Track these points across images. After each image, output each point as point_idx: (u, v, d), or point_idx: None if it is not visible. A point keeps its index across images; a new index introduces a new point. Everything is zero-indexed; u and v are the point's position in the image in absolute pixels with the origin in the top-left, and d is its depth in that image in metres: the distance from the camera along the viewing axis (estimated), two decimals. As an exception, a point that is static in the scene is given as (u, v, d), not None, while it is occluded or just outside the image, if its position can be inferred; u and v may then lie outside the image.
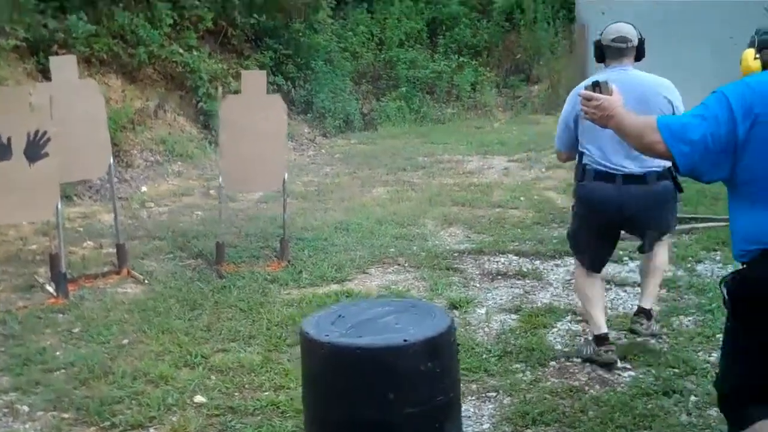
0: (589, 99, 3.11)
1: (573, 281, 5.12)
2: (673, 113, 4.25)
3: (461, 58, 15.80)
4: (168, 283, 5.99)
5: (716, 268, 5.98)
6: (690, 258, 6.24)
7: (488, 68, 16.01)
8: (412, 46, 15.99)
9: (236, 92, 7.33)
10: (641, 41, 4.53)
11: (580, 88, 3.94)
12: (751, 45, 3.16)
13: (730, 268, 5.04)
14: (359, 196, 8.81)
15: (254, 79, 6.53)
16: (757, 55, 3.08)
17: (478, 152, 11.06)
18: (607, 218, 4.50)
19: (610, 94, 3.10)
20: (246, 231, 7.36)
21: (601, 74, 4.09)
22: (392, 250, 6.79)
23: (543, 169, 9.92)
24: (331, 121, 13.44)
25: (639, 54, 4.55)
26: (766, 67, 3.06)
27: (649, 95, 4.37)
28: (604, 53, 4.56)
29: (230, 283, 5.94)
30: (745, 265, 2.92)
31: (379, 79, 15.46)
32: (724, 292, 2.97)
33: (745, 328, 2.95)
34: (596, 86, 3.13)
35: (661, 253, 4.76)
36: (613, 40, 4.50)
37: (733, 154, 2.84)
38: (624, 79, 4.06)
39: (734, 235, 2.97)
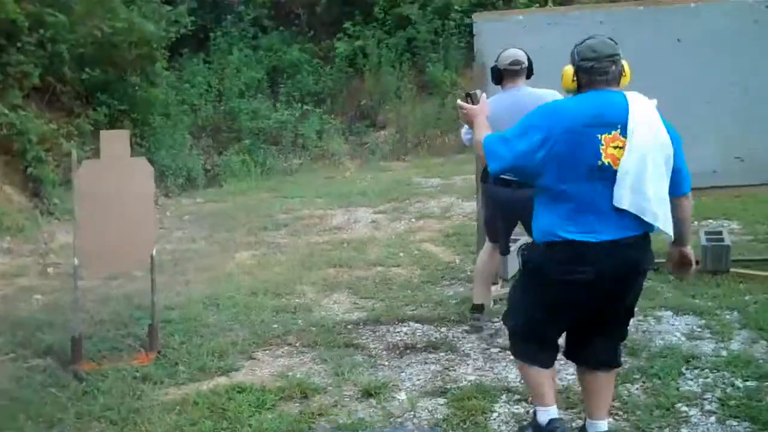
0: (461, 107, 3.99)
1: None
2: None
3: (305, 106, 15.19)
4: (12, 393, 4.91)
5: (638, 321, 5.51)
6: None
7: (333, 115, 15.46)
8: (253, 96, 15.26)
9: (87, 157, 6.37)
10: (530, 62, 5.28)
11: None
12: (571, 61, 3.66)
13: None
14: (222, 264, 7.91)
15: (115, 139, 5.60)
16: (575, 78, 3.61)
17: (339, 205, 10.37)
18: (504, 215, 5.47)
19: (476, 104, 3.95)
20: (99, 316, 6.32)
21: (500, 94, 5.16)
22: (276, 326, 5.96)
23: (413, 220, 9.34)
24: (173, 179, 12.47)
25: (529, 73, 5.30)
26: (580, 88, 3.62)
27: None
28: (502, 76, 5.30)
29: (92, 386, 4.89)
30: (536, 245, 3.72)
31: (220, 132, 14.61)
32: (520, 259, 3.83)
33: (531, 285, 3.78)
34: (468, 96, 3.99)
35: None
36: (509, 64, 5.24)
37: (536, 168, 3.57)
38: (518, 96, 5.13)
39: (534, 226, 3.72)
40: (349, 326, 5.89)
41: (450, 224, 8.98)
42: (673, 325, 5.48)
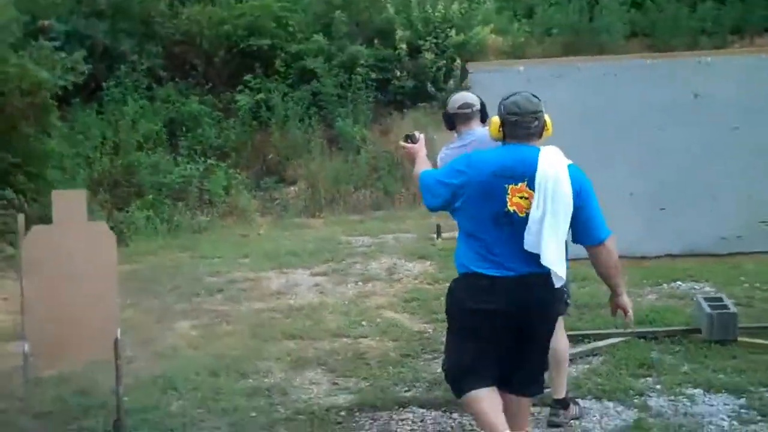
0: (403, 147, 4.63)
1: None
2: None
3: (208, 160, 14.32)
4: None
5: (670, 400, 5.04)
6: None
7: (239, 170, 14.64)
8: (152, 149, 14.28)
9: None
10: (483, 105, 4.94)
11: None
12: (498, 113, 4.16)
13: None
14: (162, 336, 7.05)
15: (70, 201, 4.78)
16: (501, 128, 4.13)
17: (270, 267, 9.59)
18: None
19: (416, 143, 4.58)
20: (41, 406, 5.38)
21: (455, 141, 4.92)
22: (255, 415, 5.20)
23: (359, 283, 8.67)
24: (73, 238, 11.37)
25: (483, 116, 4.92)
26: (505, 138, 4.14)
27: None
28: (454, 121, 4.96)
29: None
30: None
31: (119, 187, 13.57)
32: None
33: (453, 320, 4.27)
34: (408, 138, 4.60)
35: (560, 336, 4.82)
36: (459, 107, 4.94)
37: (457, 208, 4.14)
38: (480, 138, 4.77)
39: (455, 258, 4.24)
40: (341, 413, 5.20)
41: (402, 288, 8.37)
42: (712, 405, 5.07)
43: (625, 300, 4.21)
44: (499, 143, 4.21)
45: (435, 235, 10.37)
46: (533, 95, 4.14)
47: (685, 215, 5.83)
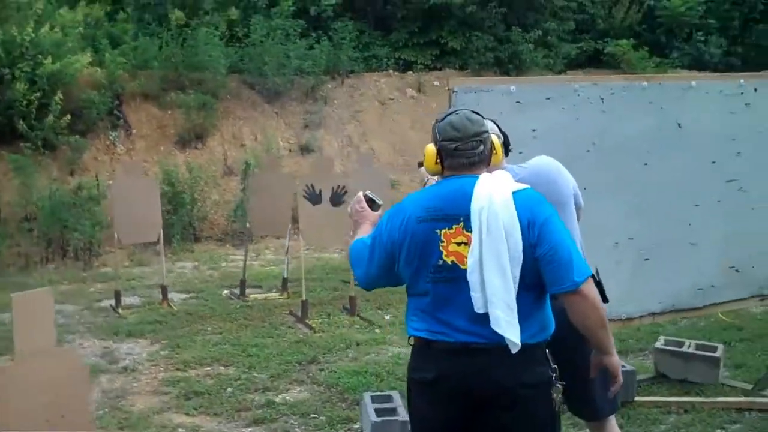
0: (358, 202, 3.69)
1: None
2: None
3: None
4: None
5: None
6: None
7: None
8: None
9: None
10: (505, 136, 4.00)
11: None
12: (433, 139, 3.28)
13: None
14: None
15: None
16: (438, 160, 3.24)
17: None
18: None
19: (374, 210, 3.66)
20: None
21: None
22: None
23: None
24: None
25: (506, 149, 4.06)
26: (444, 172, 3.27)
27: None
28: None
29: None
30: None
31: None
32: None
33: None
34: (370, 200, 3.69)
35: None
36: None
37: (398, 279, 3.33)
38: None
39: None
40: None
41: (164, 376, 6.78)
42: None
43: (615, 361, 3.29)
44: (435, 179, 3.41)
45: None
46: (473, 112, 3.29)
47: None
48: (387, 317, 8.85)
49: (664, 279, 5.23)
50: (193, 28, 15.59)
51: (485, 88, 4.67)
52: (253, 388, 6.69)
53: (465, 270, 3.10)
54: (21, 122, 13.01)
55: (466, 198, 3.14)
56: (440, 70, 18.16)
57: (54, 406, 3.11)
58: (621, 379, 3.33)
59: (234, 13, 16.76)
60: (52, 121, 13.17)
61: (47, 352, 3.13)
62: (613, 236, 4.97)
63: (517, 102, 4.66)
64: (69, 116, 13.40)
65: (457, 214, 3.14)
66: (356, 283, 3.52)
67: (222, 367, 7.24)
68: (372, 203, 3.69)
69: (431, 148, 3.28)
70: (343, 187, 8.85)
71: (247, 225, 10.38)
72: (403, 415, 5.24)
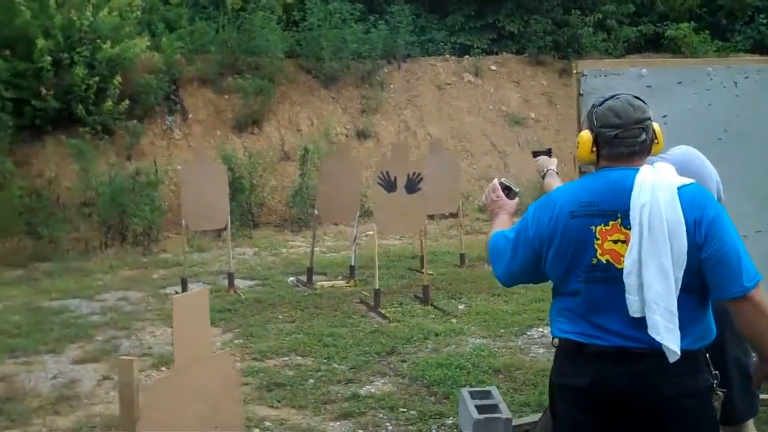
0: (494, 190, 3.45)
1: None
2: None
3: None
4: None
5: None
6: None
7: None
8: None
9: None
10: None
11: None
12: (589, 125, 3.05)
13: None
14: None
15: None
16: (594, 148, 3.01)
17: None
18: None
19: (511, 199, 3.43)
20: None
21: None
22: None
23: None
24: None
25: None
26: (599, 163, 3.03)
27: None
28: None
29: None
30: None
31: None
32: None
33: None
34: (506, 188, 3.45)
35: None
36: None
37: (543, 276, 3.09)
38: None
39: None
40: None
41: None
42: None
43: None
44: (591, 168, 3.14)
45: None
46: (636, 97, 3.03)
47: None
48: (461, 307, 8.59)
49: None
50: (250, 12, 15.41)
51: (615, 71, 4.42)
52: (335, 379, 6.48)
53: (621, 270, 2.86)
54: (80, 107, 12.94)
55: (626, 192, 2.89)
56: (497, 54, 17.82)
57: (208, 417, 2.87)
58: None
59: (290, -4, 16.54)
60: (110, 106, 13.08)
61: (205, 359, 2.88)
62: (741, 230, 4.63)
63: (648, 86, 4.36)
64: (127, 101, 13.32)
65: (615, 210, 2.91)
66: (497, 276, 3.22)
67: (299, 358, 7.04)
68: (509, 191, 3.45)
69: (587, 135, 3.03)
70: (419, 174, 8.58)
71: (315, 212, 10.14)
72: (505, 412, 4.99)
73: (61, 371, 6.84)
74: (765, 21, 19.57)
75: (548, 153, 4.18)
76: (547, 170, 4.04)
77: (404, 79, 16.76)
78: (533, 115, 16.70)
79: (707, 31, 18.85)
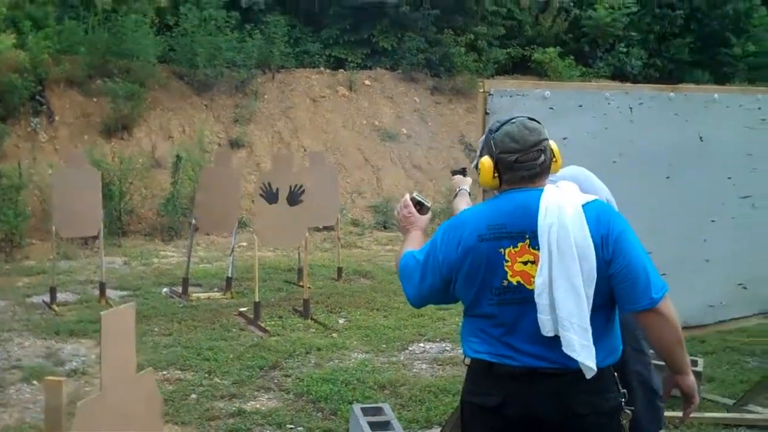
0: (405, 206, 3.43)
1: None
2: None
3: None
4: None
5: None
6: None
7: None
8: None
9: None
10: None
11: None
12: (488, 152, 3.06)
13: None
14: None
15: None
16: (496, 174, 3.03)
17: None
18: None
19: (423, 214, 3.42)
20: None
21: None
22: None
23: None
24: None
25: None
26: (502, 186, 3.06)
27: None
28: None
29: None
30: None
31: None
32: None
33: None
34: (418, 203, 3.43)
35: None
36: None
37: (452, 299, 3.13)
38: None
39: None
40: None
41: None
42: None
43: (691, 381, 3.07)
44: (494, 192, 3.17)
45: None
46: (530, 119, 3.06)
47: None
48: (341, 321, 8.60)
49: (678, 296, 5.10)
50: (122, 14, 14.99)
51: (521, 92, 4.43)
52: (218, 395, 6.36)
53: (531, 290, 2.90)
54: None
55: (532, 213, 2.93)
56: (371, 69, 17.96)
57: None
58: (698, 399, 3.14)
59: (163, 0, 16.18)
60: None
61: (130, 380, 2.75)
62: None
63: (551, 108, 4.46)
64: (-11, 100, 12.72)
65: (522, 231, 2.94)
66: (407, 297, 3.23)
67: (179, 372, 6.88)
68: (420, 206, 3.43)
69: (488, 162, 3.04)
70: (301, 186, 8.55)
71: (193, 221, 9.93)
72: (398, 429, 5.02)
73: None
74: (624, 50, 20.53)
75: (463, 172, 4.17)
76: (459, 190, 4.04)
77: (278, 89, 16.66)
78: (405, 131, 16.90)
79: (572, 57, 19.59)
